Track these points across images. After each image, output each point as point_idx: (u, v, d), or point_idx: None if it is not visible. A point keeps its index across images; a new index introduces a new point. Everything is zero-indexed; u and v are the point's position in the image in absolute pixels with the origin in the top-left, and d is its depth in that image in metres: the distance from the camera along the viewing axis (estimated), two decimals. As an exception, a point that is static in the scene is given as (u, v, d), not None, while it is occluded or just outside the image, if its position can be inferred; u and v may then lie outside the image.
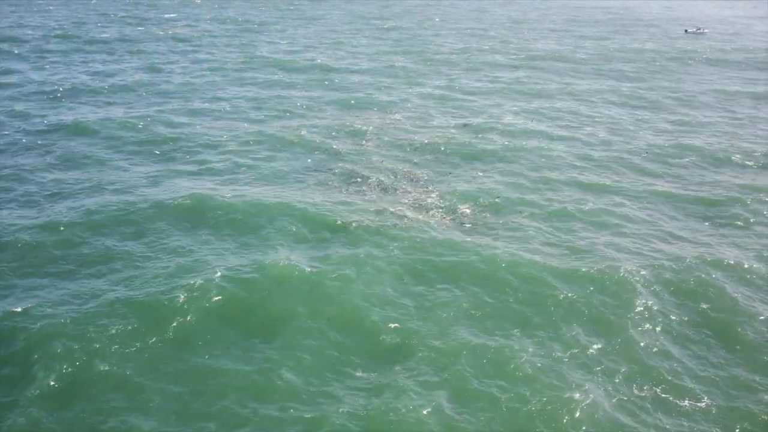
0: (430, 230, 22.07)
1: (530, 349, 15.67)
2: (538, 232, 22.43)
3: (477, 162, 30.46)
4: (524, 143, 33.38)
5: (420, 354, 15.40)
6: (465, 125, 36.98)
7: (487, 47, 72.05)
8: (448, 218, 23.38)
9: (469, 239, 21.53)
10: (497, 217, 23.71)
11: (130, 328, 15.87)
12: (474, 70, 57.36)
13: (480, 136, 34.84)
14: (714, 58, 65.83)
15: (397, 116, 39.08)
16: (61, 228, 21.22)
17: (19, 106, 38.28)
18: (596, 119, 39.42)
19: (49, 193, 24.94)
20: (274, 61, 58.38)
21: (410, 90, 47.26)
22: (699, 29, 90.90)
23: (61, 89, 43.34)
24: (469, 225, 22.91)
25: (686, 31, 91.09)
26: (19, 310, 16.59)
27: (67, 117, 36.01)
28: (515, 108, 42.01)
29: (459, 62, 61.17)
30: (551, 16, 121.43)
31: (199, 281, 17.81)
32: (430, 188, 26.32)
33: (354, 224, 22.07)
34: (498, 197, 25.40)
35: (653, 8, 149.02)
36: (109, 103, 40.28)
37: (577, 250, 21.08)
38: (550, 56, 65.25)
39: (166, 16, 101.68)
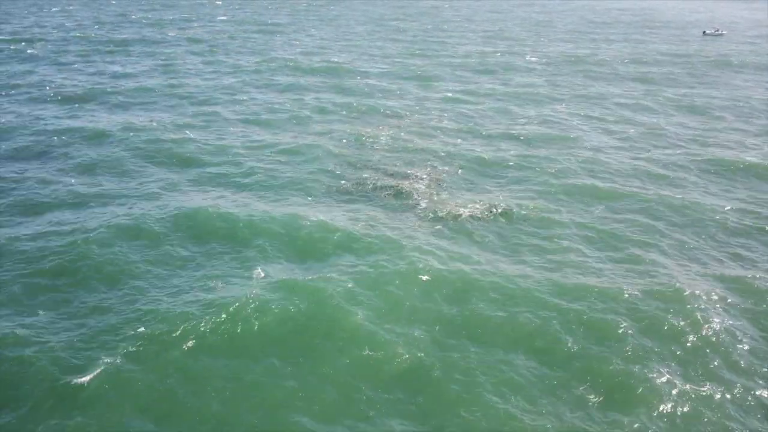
0: (446, 240, 21.68)
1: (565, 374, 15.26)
2: (558, 242, 21.90)
3: (494, 168, 29.94)
4: (543, 149, 32.78)
5: (446, 378, 14.94)
6: (481, 130, 36.48)
7: (504, 49, 71.34)
8: (465, 228, 22.90)
9: (484, 252, 21.11)
10: (514, 227, 23.18)
11: (143, 341, 15.67)
12: (491, 73, 56.74)
13: (497, 141, 34.33)
14: (736, 61, 64.41)
15: (413, 120, 38.70)
16: (77, 237, 21.08)
17: (37, 109, 38.58)
18: (615, 124, 38.62)
19: (64, 199, 24.92)
20: (290, 63, 58.36)
21: (426, 93, 46.85)
22: (717, 30, 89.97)
23: (78, 92, 43.66)
24: (485, 236, 22.43)
25: (704, 32, 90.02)
26: (29, 320, 16.54)
27: (84, 121, 36.19)
28: (533, 113, 41.35)
29: (475, 65, 60.57)
30: (571, 17, 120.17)
31: (217, 294, 17.63)
32: (445, 196, 25.89)
33: (369, 234, 21.72)
34: (505, 202, 24.98)
35: (674, 9, 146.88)
36: (125, 107, 40.43)
37: (600, 262, 20.57)
38: (570, 59, 64.40)
39: (184, 16, 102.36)
